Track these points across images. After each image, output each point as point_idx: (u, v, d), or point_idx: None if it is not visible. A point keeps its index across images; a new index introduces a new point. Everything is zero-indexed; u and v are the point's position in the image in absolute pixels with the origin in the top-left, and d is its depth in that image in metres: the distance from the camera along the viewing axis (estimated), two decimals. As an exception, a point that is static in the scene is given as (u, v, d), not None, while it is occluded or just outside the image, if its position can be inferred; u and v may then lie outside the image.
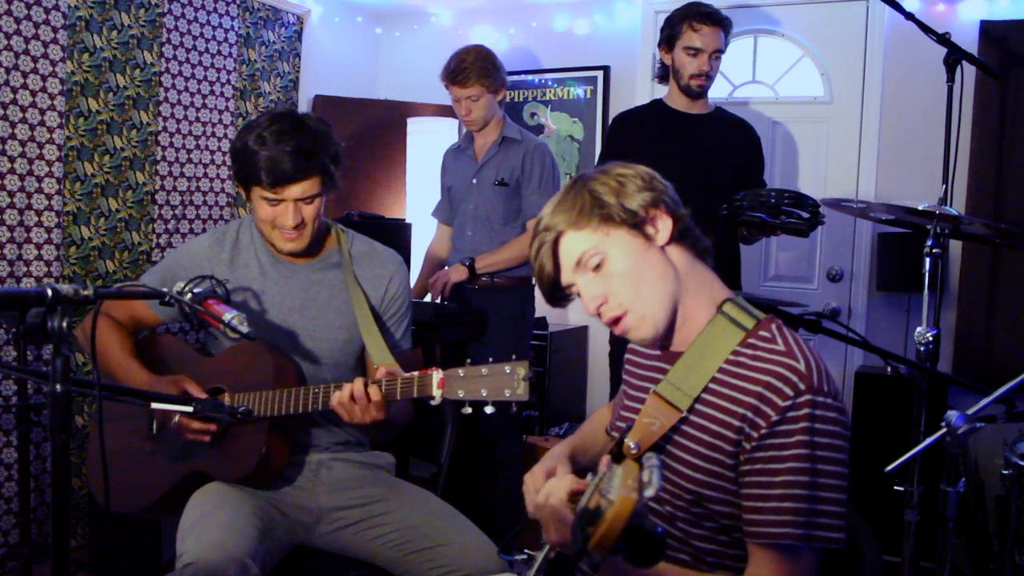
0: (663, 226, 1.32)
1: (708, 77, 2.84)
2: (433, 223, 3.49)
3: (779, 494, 1.19)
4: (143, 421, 1.97)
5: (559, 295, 1.38)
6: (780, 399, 1.21)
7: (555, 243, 1.33)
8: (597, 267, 1.30)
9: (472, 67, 3.06)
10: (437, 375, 1.63)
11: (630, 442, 1.29)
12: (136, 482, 1.96)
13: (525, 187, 3.16)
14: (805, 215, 2.35)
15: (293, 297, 2.00)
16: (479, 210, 3.17)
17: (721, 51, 2.84)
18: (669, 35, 2.86)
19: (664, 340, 1.36)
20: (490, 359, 1.59)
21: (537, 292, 1.41)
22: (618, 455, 1.30)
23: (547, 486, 1.21)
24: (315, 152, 1.85)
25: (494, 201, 3.14)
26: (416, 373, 1.68)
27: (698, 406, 1.29)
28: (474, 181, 3.19)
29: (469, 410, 1.59)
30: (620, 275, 1.30)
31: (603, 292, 1.31)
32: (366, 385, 1.72)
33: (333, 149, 1.91)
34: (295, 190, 1.85)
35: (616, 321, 1.32)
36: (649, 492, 0.91)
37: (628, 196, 1.30)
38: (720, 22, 2.80)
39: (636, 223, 1.30)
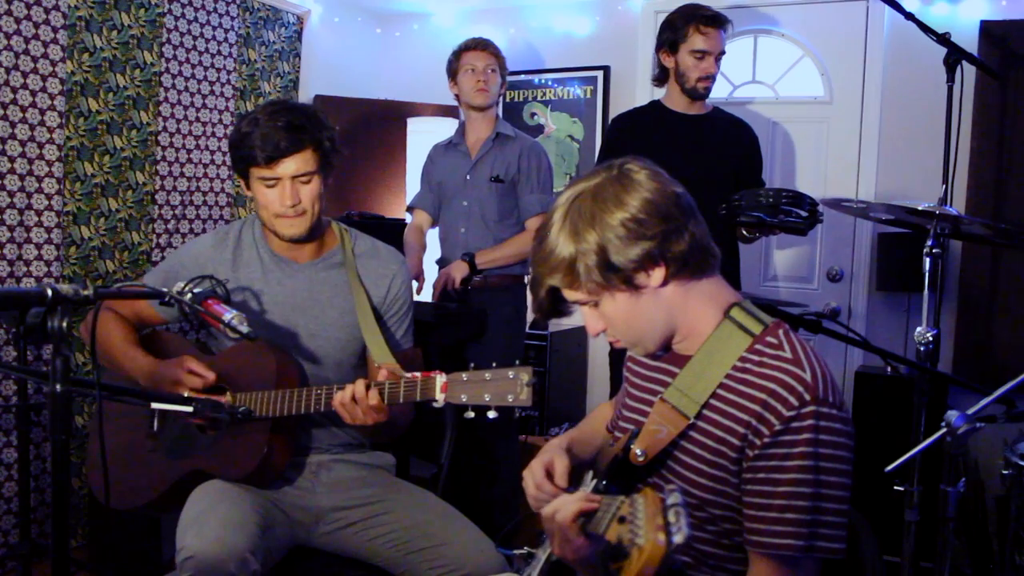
0: (655, 275, 1.27)
1: (712, 79, 2.85)
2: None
3: (781, 504, 1.19)
4: (144, 419, 1.97)
5: (557, 315, 1.39)
6: (784, 408, 1.20)
7: (550, 288, 1.32)
8: (595, 305, 1.31)
9: (491, 42, 3.23)
10: (440, 379, 1.64)
11: (637, 449, 1.29)
12: (136, 479, 1.96)
13: (522, 186, 3.16)
14: (804, 214, 2.35)
15: (296, 296, 2.00)
16: (472, 207, 3.17)
17: (724, 53, 2.85)
18: (672, 38, 2.85)
19: (665, 350, 1.37)
20: (493, 364, 1.60)
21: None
22: (624, 462, 1.30)
23: (555, 502, 1.20)
24: (307, 126, 1.88)
25: (489, 198, 3.14)
26: (419, 375, 1.68)
27: (705, 412, 1.28)
28: (468, 177, 3.19)
29: (472, 414, 1.60)
30: (612, 318, 1.31)
31: (602, 324, 1.33)
32: (368, 387, 1.72)
33: (328, 131, 1.93)
34: (289, 165, 1.87)
35: (615, 341, 1.37)
36: (678, 539, 0.91)
37: (618, 252, 1.24)
38: (723, 24, 2.82)
39: (626, 279, 1.26)
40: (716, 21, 2.79)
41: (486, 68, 3.14)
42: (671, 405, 1.29)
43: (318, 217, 1.97)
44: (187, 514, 1.81)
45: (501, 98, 3.33)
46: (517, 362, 1.59)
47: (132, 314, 2.05)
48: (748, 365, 1.27)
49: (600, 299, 1.29)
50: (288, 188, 1.88)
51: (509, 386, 1.56)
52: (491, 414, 1.58)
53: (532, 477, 1.41)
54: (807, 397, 1.20)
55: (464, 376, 1.61)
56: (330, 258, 2.05)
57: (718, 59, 2.82)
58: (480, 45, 3.18)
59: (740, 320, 1.31)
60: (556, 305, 1.35)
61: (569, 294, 1.31)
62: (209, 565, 1.63)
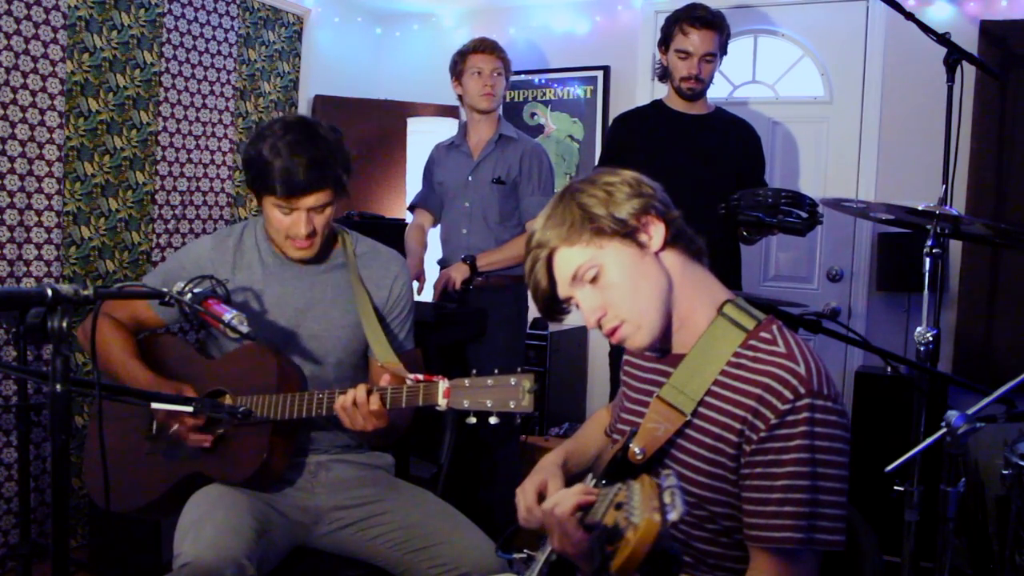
0: (655, 232, 1.31)
1: (699, 80, 2.83)
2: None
3: (779, 498, 1.19)
4: (143, 421, 1.97)
5: (556, 309, 1.37)
6: (779, 402, 1.20)
7: (549, 259, 1.32)
8: (594, 279, 1.30)
9: (497, 43, 3.20)
10: (443, 384, 1.65)
11: (635, 447, 1.29)
12: (135, 481, 1.95)
13: (524, 188, 3.16)
14: (803, 214, 2.35)
15: (297, 297, 2.00)
16: (474, 208, 3.17)
17: (714, 54, 2.81)
18: (665, 36, 2.86)
19: (662, 344, 1.36)
20: (496, 370, 1.60)
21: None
22: (624, 461, 1.30)
23: (555, 496, 1.20)
24: (329, 163, 1.86)
25: (491, 199, 3.14)
26: (421, 378, 1.69)
27: (701, 409, 1.28)
28: (470, 178, 3.19)
29: (474, 420, 1.61)
30: (616, 285, 1.30)
31: (601, 303, 1.31)
32: (369, 392, 1.73)
33: (345, 159, 1.92)
34: (308, 201, 1.86)
35: (613, 331, 1.33)
36: (673, 516, 0.91)
37: (617, 205, 1.29)
38: (711, 25, 2.78)
39: (628, 232, 1.29)
40: (701, 22, 2.77)
41: (492, 72, 3.13)
42: (668, 403, 1.29)
43: (325, 237, 1.96)
44: (184, 520, 1.81)
45: (502, 98, 3.33)
46: (520, 369, 1.60)
47: (130, 318, 2.04)
48: (742, 360, 1.27)
49: (602, 261, 1.28)
50: (303, 219, 1.87)
51: (511, 392, 1.57)
52: (493, 420, 1.59)
53: (524, 498, 1.41)
54: (801, 390, 1.20)
55: (466, 382, 1.62)
56: (332, 260, 2.05)
57: (706, 60, 2.80)
58: (487, 48, 3.16)
59: (733, 316, 1.31)
60: (554, 292, 1.33)
61: (567, 255, 1.30)
62: (205, 571, 1.63)
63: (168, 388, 1.89)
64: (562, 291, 1.33)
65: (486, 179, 3.15)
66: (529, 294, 1.39)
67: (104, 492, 1.83)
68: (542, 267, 1.32)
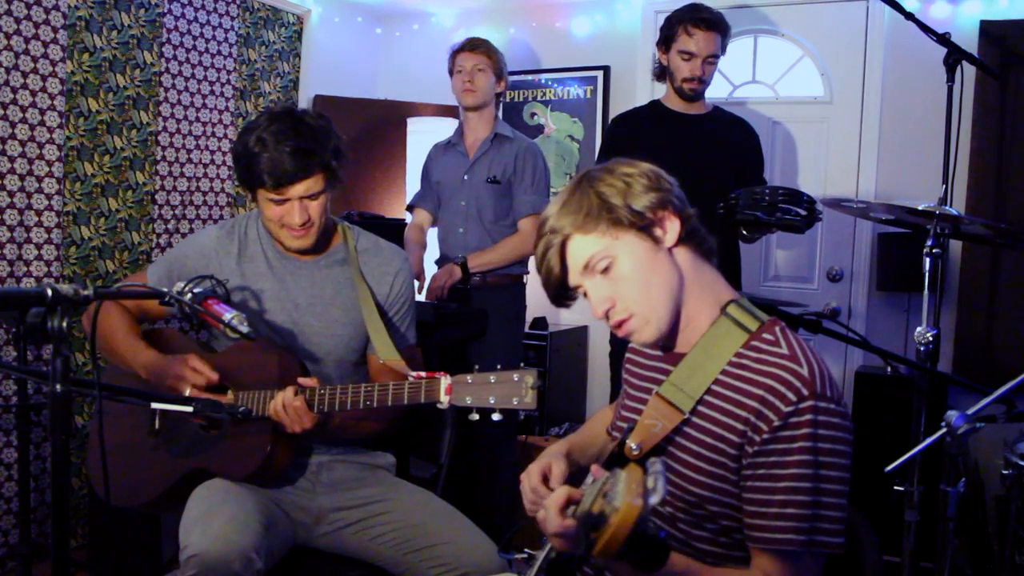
0: (671, 227, 1.30)
1: (702, 81, 2.83)
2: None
3: (781, 500, 1.19)
4: (145, 416, 1.97)
5: (565, 296, 1.36)
6: (783, 404, 1.20)
7: (562, 245, 1.31)
8: (605, 270, 1.29)
9: (483, 42, 3.22)
10: (445, 381, 1.65)
11: (632, 443, 1.29)
12: (138, 477, 1.96)
13: (517, 186, 3.16)
14: (801, 212, 2.35)
15: (299, 292, 2.00)
16: (470, 207, 3.17)
17: (716, 56, 2.82)
18: (666, 36, 2.86)
19: (667, 342, 1.36)
20: (498, 366, 1.60)
21: (532, 291, 1.40)
22: (620, 456, 1.30)
23: (545, 503, 1.20)
24: (315, 150, 1.85)
25: (486, 198, 3.15)
26: (423, 374, 1.68)
27: (701, 408, 1.28)
28: (465, 177, 3.19)
29: (476, 416, 1.60)
30: (628, 278, 1.29)
31: (611, 295, 1.30)
32: (296, 392, 1.77)
33: (333, 144, 1.90)
34: (299, 189, 1.86)
35: (621, 324, 1.32)
36: (654, 499, 0.91)
37: (635, 197, 1.28)
38: (715, 26, 2.78)
39: (644, 225, 1.28)
40: (705, 23, 2.77)
41: (473, 68, 3.15)
42: (666, 400, 1.29)
43: (324, 227, 1.96)
44: (191, 513, 1.81)
45: (501, 99, 3.33)
46: (522, 364, 1.59)
47: (135, 305, 2.06)
48: (745, 361, 1.27)
49: (616, 252, 1.28)
50: (297, 208, 1.87)
51: (514, 389, 1.57)
52: (495, 416, 1.59)
53: (528, 481, 1.41)
54: (805, 392, 1.20)
55: (469, 378, 1.62)
56: (333, 255, 2.05)
57: (708, 62, 2.81)
58: (469, 46, 3.19)
59: (736, 316, 1.31)
60: (565, 280, 1.32)
61: (581, 243, 1.29)
62: (214, 564, 1.63)
63: (177, 363, 1.88)
64: (572, 279, 1.33)
65: (481, 178, 3.16)
66: (539, 284, 1.37)
67: (104, 487, 1.83)
68: (555, 253, 1.31)
